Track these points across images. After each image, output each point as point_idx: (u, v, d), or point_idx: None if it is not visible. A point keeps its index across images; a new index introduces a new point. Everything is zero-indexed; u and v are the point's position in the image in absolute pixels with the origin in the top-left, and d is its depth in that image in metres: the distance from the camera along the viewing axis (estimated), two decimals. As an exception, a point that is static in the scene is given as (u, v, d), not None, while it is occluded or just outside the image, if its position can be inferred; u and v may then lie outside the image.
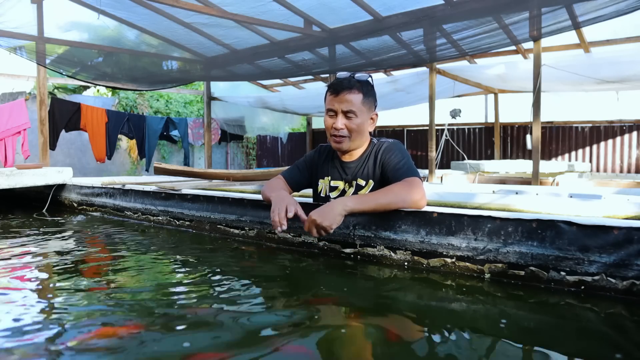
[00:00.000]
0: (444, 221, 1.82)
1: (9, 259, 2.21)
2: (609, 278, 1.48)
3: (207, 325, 1.34)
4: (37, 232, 2.97)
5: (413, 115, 9.21)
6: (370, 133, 2.16)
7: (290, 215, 1.86)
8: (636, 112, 7.42)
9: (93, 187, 3.92)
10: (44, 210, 3.99)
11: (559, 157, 8.09)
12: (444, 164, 8.36)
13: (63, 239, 2.74)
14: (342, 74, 2.05)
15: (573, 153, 7.99)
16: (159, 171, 4.48)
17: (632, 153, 7.48)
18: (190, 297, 1.62)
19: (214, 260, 2.22)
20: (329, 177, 2.17)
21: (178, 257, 2.28)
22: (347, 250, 2.07)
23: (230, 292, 1.70)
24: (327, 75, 7.60)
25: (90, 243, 2.72)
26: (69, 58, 6.71)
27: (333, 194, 2.15)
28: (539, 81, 4.98)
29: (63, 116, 7.49)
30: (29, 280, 1.87)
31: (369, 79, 2.07)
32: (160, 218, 3.15)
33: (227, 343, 1.21)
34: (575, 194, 2.67)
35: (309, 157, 2.28)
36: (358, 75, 2.04)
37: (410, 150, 9.36)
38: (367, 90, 2.03)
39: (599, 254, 1.50)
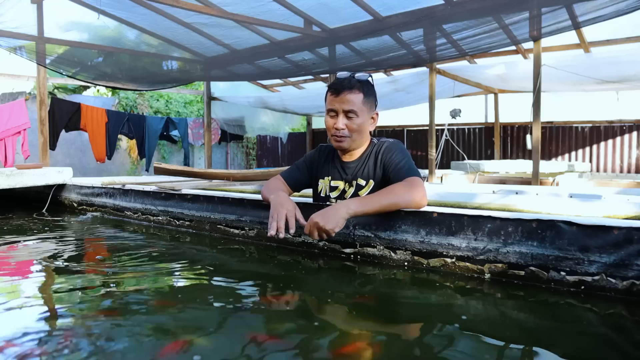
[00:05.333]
0: (444, 221, 1.82)
1: (9, 259, 2.21)
2: (609, 278, 1.48)
3: (205, 325, 1.34)
4: (37, 232, 2.97)
5: (413, 115, 9.21)
6: (370, 133, 2.16)
7: (292, 232, 1.86)
8: (636, 112, 7.42)
9: (93, 187, 3.92)
10: (44, 210, 3.99)
11: (559, 157, 8.09)
12: (444, 164, 8.36)
13: (63, 239, 2.74)
14: (342, 74, 2.05)
15: (573, 153, 7.99)
16: (159, 171, 4.48)
17: (632, 153, 7.48)
18: (189, 297, 1.62)
19: (213, 261, 2.23)
20: (329, 177, 2.17)
21: (178, 257, 2.28)
22: (347, 251, 2.07)
23: (230, 292, 1.70)
24: (327, 75, 7.60)
25: (90, 243, 2.72)
26: (69, 58, 6.71)
27: (333, 194, 2.15)
28: (539, 81, 4.98)
29: (63, 116, 7.49)
30: (29, 280, 1.87)
31: (369, 79, 2.07)
32: (160, 218, 3.15)
33: (225, 343, 1.21)
34: (575, 194, 2.66)
35: (309, 157, 2.28)
36: (358, 75, 2.04)
37: (410, 150, 9.36)
38: (368, 89, 2.03)
39: (599, 254, 1.50)
